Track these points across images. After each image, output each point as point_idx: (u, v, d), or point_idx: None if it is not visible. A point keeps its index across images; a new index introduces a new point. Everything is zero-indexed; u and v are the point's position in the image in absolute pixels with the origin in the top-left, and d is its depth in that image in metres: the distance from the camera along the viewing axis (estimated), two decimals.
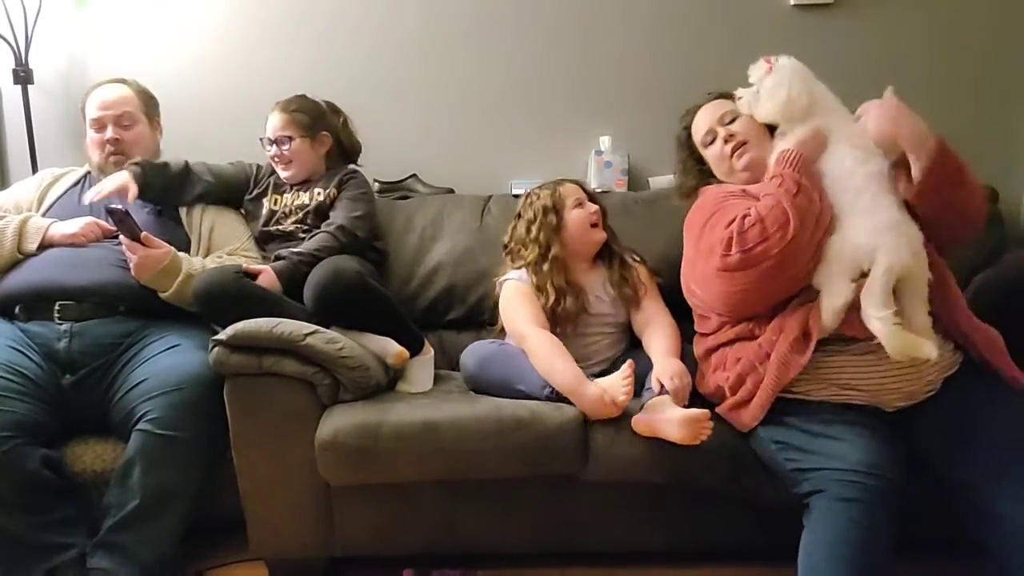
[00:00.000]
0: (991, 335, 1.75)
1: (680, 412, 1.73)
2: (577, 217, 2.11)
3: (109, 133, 2.27)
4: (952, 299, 1.77)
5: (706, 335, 1.95)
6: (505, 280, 2.13)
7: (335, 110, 2.45)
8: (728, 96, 2.00)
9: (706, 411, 1.73)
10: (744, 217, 1.73)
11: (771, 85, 1.85)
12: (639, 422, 1.79)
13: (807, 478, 1.61)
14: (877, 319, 1.60)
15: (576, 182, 2.22)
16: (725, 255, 1.73)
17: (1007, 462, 1.56)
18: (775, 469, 1.72)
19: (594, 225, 2.12)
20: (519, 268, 2.12)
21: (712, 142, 1.98)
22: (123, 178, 2.16)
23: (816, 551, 1.54)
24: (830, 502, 1.54)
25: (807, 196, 1.70)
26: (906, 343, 1.59)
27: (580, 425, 1.82)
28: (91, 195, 2.16)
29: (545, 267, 2.06)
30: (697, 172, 2.06)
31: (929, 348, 1.60)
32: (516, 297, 2.07)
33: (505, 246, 2.21)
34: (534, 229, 2.11)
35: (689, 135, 2.06)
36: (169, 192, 2.27)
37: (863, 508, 1.50)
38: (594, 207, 2.15)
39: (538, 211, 2.13)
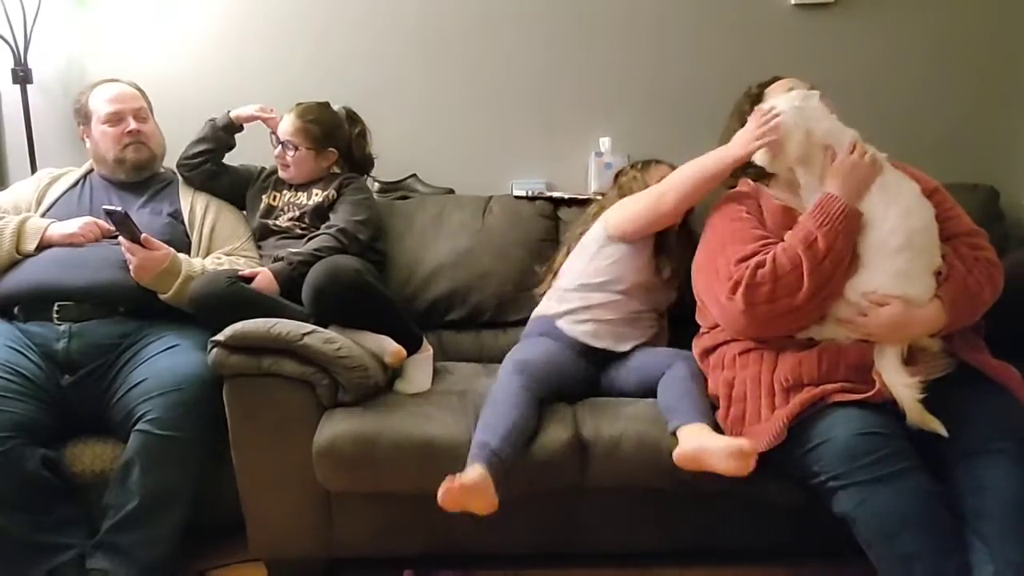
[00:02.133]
0: (1008, 373, 1.74)
1: (725, 442, 1.69)
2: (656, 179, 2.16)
3: (132, 124, 2.28)
4: (970, 343, 1.78)
5: (703, 333, 1.96)
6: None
7: (354, 120, 2.44)
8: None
9: (752, 443, 1.68)
10: (759, 268, 1.71)
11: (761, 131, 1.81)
12: (683, 457, 1.73)
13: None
14: (903, 386, 1.65)
15: (671, 166, 2.21)
16: (730, 297, 1.74)
17: (993, 441, 1.60)
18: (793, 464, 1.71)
19: None
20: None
21: None
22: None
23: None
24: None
25: (834, 261, 1.69)
26: (923, 418, 1.64)
27: (576, 443, 1.81)
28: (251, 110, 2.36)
29: None
30: None
31: (939, 427, 1.63)
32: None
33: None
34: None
35: (759, 100, 1.98)
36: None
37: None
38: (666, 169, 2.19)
39: (627, 189, 2.21)
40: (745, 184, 1.97)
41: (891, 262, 1.70)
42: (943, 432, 1.62)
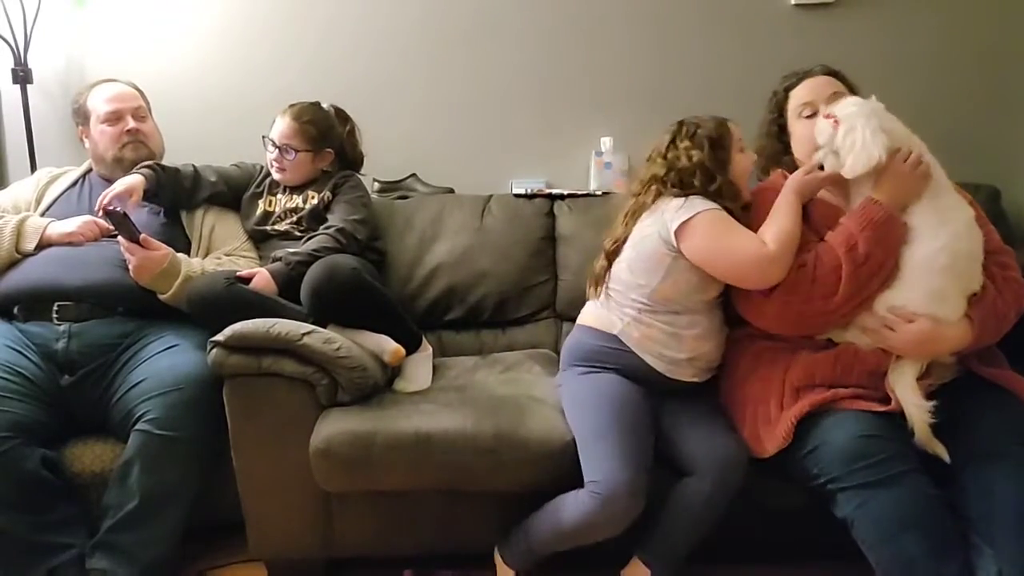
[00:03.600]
0: (1015, 379, 1.74)
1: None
2: (742, 162, 1.86)
3: (131, 123, 2.27)
4: (989, 357, 1.79)
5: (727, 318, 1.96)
6: (699, 213, 1.76)
7: (343, 118, 2.43)
8: (838, 75, 1.91)
9: None
10: (800, 267, 1.71)
11: (846, 138, 1.71)
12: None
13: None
14: (915, 406, 1.65)
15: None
16: (766, 293, 1.74)
17: (1002, 445, 1.61)
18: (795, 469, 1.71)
19: None
20: (691, 196, 1.80)
21: (809, 117, 1.85)
22: (134, 180, 2.13)
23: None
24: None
25: (872, 267, 1.68)
26: (930, 441, 1.65)
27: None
28: (102, 198, 2.10)
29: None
30: (776, 140, 1.96)
31: (943, 452, 1.64)
32: (725, 220, 1.78)
33: (661, 178, 1.85)
34: (698, 156, 1.81)
35: (786, 98, 1.94)
36: (178, 197, 2.26)
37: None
38: (753, 156, 1.90)
39: (703, 143, 1.82)
40: (782, 176, 1.91)
41: (929, 281, 1.69)
42: (946, 458, 1.62)
